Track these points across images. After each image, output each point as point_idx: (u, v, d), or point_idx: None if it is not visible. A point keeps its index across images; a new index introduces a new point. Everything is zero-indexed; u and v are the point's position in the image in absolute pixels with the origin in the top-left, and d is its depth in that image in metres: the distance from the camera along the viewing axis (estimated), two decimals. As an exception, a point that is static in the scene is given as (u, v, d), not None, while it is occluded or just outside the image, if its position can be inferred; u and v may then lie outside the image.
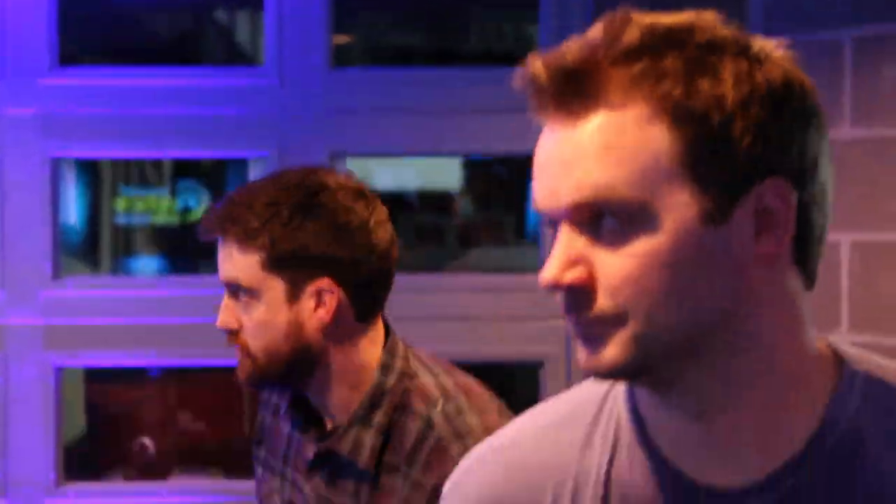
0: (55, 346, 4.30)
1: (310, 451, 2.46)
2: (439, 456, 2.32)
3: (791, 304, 1.34)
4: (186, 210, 11.25)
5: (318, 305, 2.35)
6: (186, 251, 10.88)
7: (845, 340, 1.50)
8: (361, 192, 2.42)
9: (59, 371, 4.34)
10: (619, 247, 1.24)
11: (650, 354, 1.26)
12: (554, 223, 1.29)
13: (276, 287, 2.35)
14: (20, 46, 4.15)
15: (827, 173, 1.32)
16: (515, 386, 5.31)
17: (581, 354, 1.30)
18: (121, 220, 11.64)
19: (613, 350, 1.26)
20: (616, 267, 1.24)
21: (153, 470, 5.60)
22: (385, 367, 2.43)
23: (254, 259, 2.33)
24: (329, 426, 2.47)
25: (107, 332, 4.31)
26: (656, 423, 1.38)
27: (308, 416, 2.51)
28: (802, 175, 1.28)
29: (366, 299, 2.42)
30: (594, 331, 1.27)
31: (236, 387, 2.86)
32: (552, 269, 1.24)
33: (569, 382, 3.13)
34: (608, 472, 1.39)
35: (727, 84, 1.24)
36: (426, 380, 2.43)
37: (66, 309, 4.30)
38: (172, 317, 4.29)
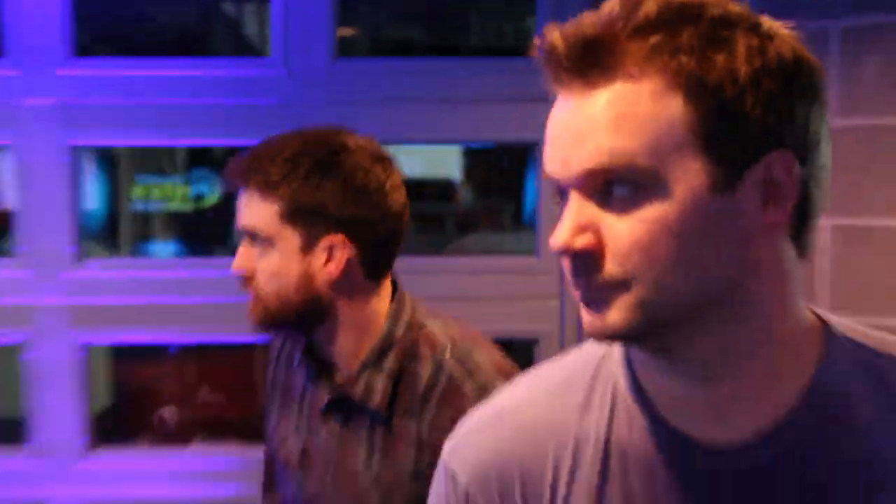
0: (80, 325, 4.32)
1: (323, 397, 2.49)
2: (453, 394, 2.37)
3: (788, 275, 1.38)
4: (200, 197, 11.44)
5: (329, 260, 2.37)
6: (200, 236, 11.30)
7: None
8: (380, 156, 2.44)
9: (84, 348, 4.35)
10: (628, 214, 1.26)
11: (654, 320, 1.30)
12: (563, 191, 1.34)
13: (290, 238, 2.36)
14: (37, 39, 4.16)
15: (827, 152, 1.34)
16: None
17: (586, 318, 1.34)
18: (138, 206, 11.79)
19: (618, 314, 1.30)
20: (625, 233, 1.27)
21: (174, 438, 5.68)
22: (394, 319, 2.45)
23: (272, 209, 2.35)
24: (339, 375, 2.49)
25: (127, 311, 4.34)
26: (655, 385, 1.40)
27: (320, 366, 2.52)
28: (806, 150, 1.31)
29: (376, 257, 2.44)
30: (600, 295, 1.31)
31: (251, 362, 2.87)
32: (563, 234, 1.29)
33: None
34: (608, 433, 1.41)
35: (740, 58, 1.25)
36: (434, 328, 2.46)
37: (88, 289, 4.32)
38: (189, 296, 4.31)
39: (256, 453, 3.05)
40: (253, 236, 2.44)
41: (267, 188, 2.37)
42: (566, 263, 1.34)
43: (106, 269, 4.45)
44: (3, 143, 4.32)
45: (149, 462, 4.45)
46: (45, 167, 4.26)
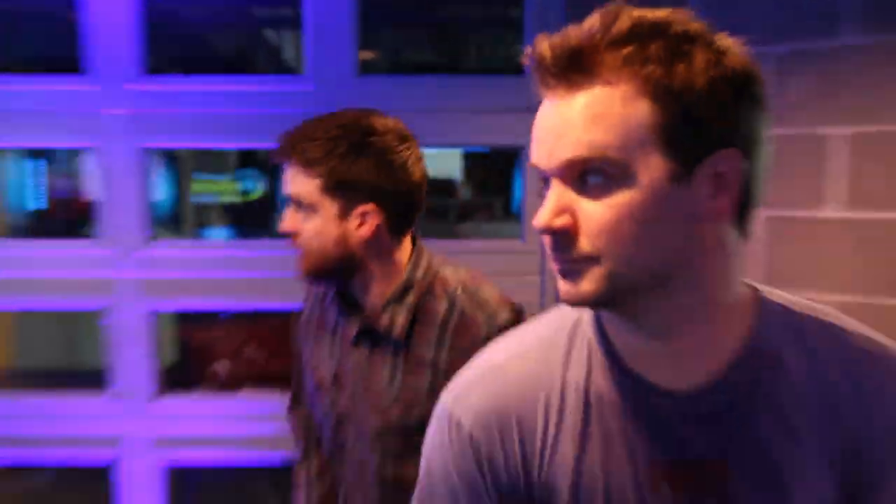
0: (150, 294, 4.34)
1: (353, 330, 2.56)
2: (467, 322, 2.46)
3: (731, 253, 1.42)
4: (246, 192, 11.96)
5: (362, 224, 2.44)
6: (246, 223, 11.65)
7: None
8: (404, 136, 2.50)
9: (154, 313, 4.36)
10: (600, 199, 1.31)
11: (619, 289, 1.35)
12: (546, 179, 1.38)
13: (329, 207, 2.42)
14: (114, 59, 4.18)
15: (766, 153, 1.37)
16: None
17: (562, 287, 1.38)
18: (197, 200, 12.28)
19: (589, 284, 1.35)
20: (597, 216, 1.31)
21: (226, 387, 5.83)
22: (414, 266, 2.53)
23: (314, 183, 2.41)
24: (366, 311, 2.55)
25: (189, 283, 4.35)
26: (622, 341, 1.45)
27: (351, 305, 2.59)
28: (749, 149, 1.35)
29: (400, 221, 2.51)
30: (574, 268, 1.35)
31: (288, 325, 2.88)
32: (545, 215, 1.34)
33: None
34: (586, 383, 1.46)
35: (698, 69, 1.30)
36: (446, 273, 2.55)
37: (157, 265, 4.33)
38: (238, 271, 4.34)
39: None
40: (298, 203, 2.48)
41: (309, 165, 2.42)
42: (547, 240, 1.38)
43: (171, 249, 4.46)
44: (87, 146, 4.31)
45: (205, 406, 4.48)
46: (121, 166, 4.27)
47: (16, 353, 8.71)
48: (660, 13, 1.34)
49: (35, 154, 10.59)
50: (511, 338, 1.61)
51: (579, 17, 1.37)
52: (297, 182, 2.46)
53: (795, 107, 3.70)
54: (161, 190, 11.22)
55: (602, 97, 1.30)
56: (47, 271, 4.29)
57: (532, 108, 1.41)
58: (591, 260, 1.34)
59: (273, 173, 12.14)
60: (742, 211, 1.39)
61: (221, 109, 4.23)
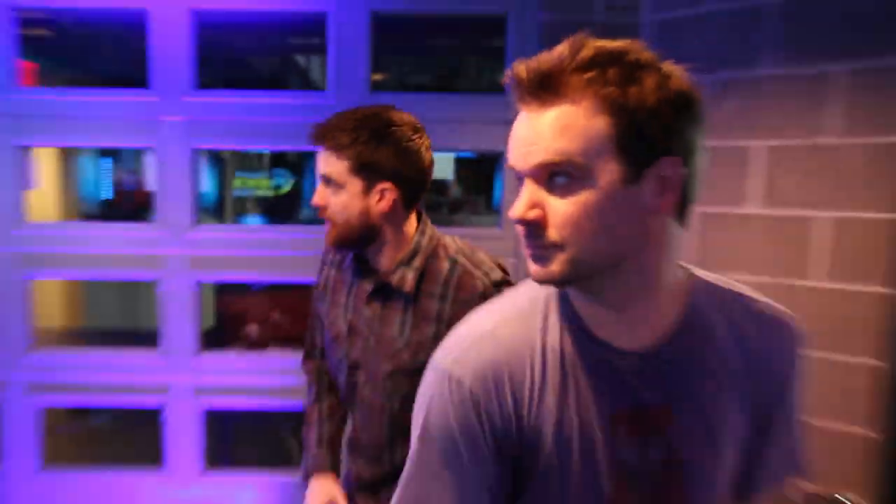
0: (195, 269, 4.34)
1: (367, 288, 2.62)
2: (466, 279, 2.53)
3: (671, 242, 1.47)
4: (278, 187, 11.91)
5: (381, 200, 2.49)
6: (277, 212, 11.66)
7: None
8: (417, 128, 2.55)
9: (198, 284, 4.36)
10: (565, 197, 1.36)
11: (580, 271, 1.40)
12: (521, 178, 1.41)
13: (355, 184, 2.48)
14: (172, 76, 4.20)
15: (703, 159, 1.41)
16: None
17: (533, 269, 1.43)
18: (237, 193, 12.35)
19: (555, 267, 1.40)
20: (562, 210, 1.36)
21: (256, 345, 5.81)
22: (420, 234, 2.58)
23: (344, 164, 2.46)
24: (380, 272, 2.61)
25: (227, 260, 4.35)
26: (585, 312, 1.49)
27: (366, 267, 2.65)
28: (688, 157, 1.41)
29: (412, 197, 2.56)
30: (544, 253, 1.40)
31: (308, 295, 2.89)
32: (519, 208, 1.39)
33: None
34: (561, 346, 1.49)
35: (649, 91, 1.34)
36: (447, 241, 2.61)
37: (202, 245, 4.34)
38: (268, 251, 4.34)
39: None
40: (328, 181, 2.52)
41: (340, 149, 2.46)
42: (520, 229, 1.42)
43: (214, 232, 4.46)
44: (148, 147, 4.31)
45: (238, 361, 4.49)
46: (175, 164, 4.27)
47: (85, 316, 8.68)
48: (617, 43, 1.37)
49: (105, 153, 10.60)
50: (493, 309, 1.61)
51: (552, 46, 1.40)
52: (329, 163, 2.51)
53: (724, 124, 3.77)
54: (207, 184, 11.47)
55: (568, 112, 1.33)
56: (112, 248, 4.30)
57: (510, 122, 1.44)
58: (557, 247, 1.38)
59: (300, 171, 12.42)
60: (682, 207, 1.43)
61: (259, 118, 4.24)
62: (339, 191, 2.51)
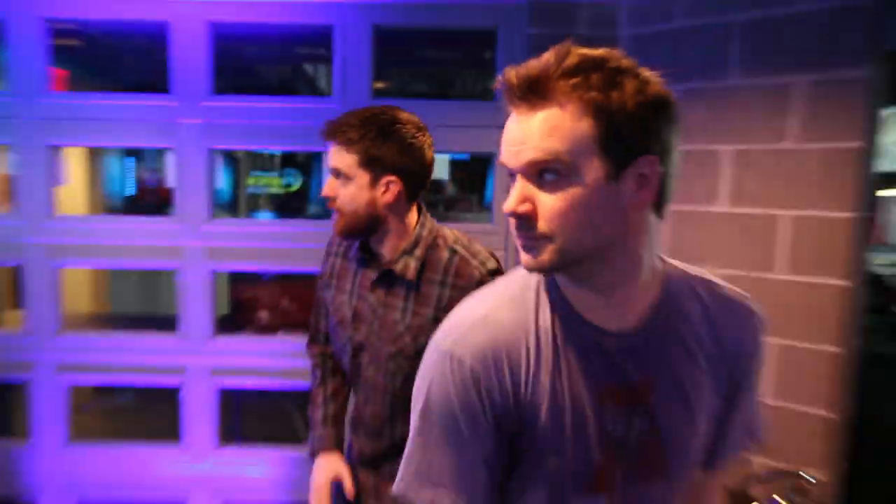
0: (211, 259, 4.34)
1: (371, 276, 2.63)
2: (464, 267, 2.54)
3: (650, 233, 1.49)
4: (288, 185, 11.89)
5: (386, 192, 2.50)
6: (287, 208, 11.67)
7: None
8: (420, 127, 2.56)
9: (213, 274, 4.36)
10: (554, 192, 1.38)
11: (567, 259, 1.42)
12: (513, 175, 1.42)
13: (363, 177, 2.49)
14: (190, 82, 4.20)
15: (677, 159, 1.43)
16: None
17: (524, 258, 1.45)
18: (250, 190, 12.41)
19: (545, 256, 1.42)
20: (550, 205, 1.38)
21: (266, 330, 5.76)
22: (421, 226, 2.59)
23: (353, 158, 2.47)
24: (384, 261, 2.62)
25: (240, 251, 4.35)
26: (573, 295, 1.51)
27: (370, 256, 2.66)
28: (665, 156, 1.41)
29: (414, 190, 2.58)
30: (534, 244, 1.42)
31: (313, 284, 2.90)
32: (512, 202, 1.41)
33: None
34: (553, 327, 1.50)
35: (629, 95, 1.35)
36: (445, 232, 2.63)
37: (217, 237, 4.33)
38: (279, 243, 4.33)
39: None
40: (337, 174, 2.53)
41: (349, 144, 2.47)
42: (512, 222, 1.43)
43: (228, 226, 4.45)
44: (168, 147, 4.31)
45: (250, 344, 4.48)
46: (193, 163, 4.27)
47: (109, 302, 8.69)
48: (599, 51, 1.38)
49: (129, 153, 10.61)
50: (487, 294, 1.61)
51: (538, 57, 1.41)
52: (339, 157, 2.52)
53: (695, 129, 3.79)
54: (223, 181, 11.64)
55: (555, 115, 1.34)
56: (135, 240, 4.30)
57: (501, 126, 1.46)
58: (547, 238, 1.40)
59: (308, 171, 12.43)
60: (659, 201, 1.46)
61: (270, 121, 4.24)
62: (347, 183, 2.52)
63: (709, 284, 1.67)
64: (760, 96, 3.76)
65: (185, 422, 4.45)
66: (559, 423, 1.50)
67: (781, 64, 3.69)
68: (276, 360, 4.38)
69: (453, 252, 2.59)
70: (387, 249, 2.63)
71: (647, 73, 1.41)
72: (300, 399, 3.52)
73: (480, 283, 2.47)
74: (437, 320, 2.41)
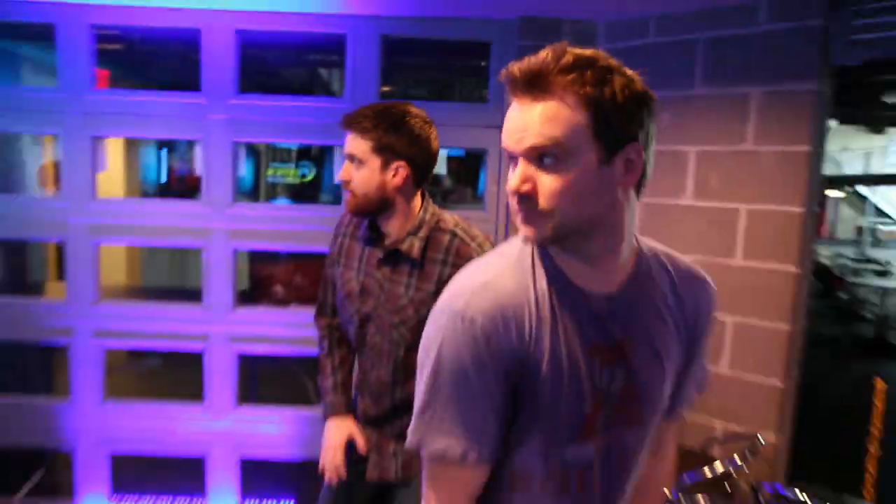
0: (233, 239, 4.34)
1: (378, 254, 2.66)
2: (462, 249, 2.59)
3: (632, 210, 1.54)
4: (303, 176, 11.84)
5: (395, 175, 2.55)
6: (302, 196, 11.65)
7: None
8: (427, 120, 2.61)
9: (235, 252, 4.36)
10: (553, 174, 1.42)
11: (563, 233, 1.46)
12: (514, 158, 1.46)
13: (375, 162, 2.53)
14: (218, 82, 4.20)
15: (654, 147, 1.51)
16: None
17: (525, 230, 1.48)
18: (269, 179, 12.42)
19: (543, 230, 1.46)
20: (549, 184, 1.42)
21: (281, 303, 5.91)
22: (425, 210, 2.63)
23: (367, 145, 2.52)
24: (388, 241, 2.66)
25: (260, 233, 4.35)
26: (565, 264, 1.55)
27: (377, 235, 2.69)
28: (646, 144, 1.47)
29: (420, 175, 2.61)
30: (534, 219, 1.46)
31: (324, 262, 2.90)
32: (515, 182, 1.44)
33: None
34: (550, 292, 1.53)
35: (618, 90, 1.41)
36: (446, 216, 2.66)
37: (240, 220, 4.33)
38: (294, 225, 4.33)
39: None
40: (352, 159, 2.57)
41: (364, 133, 2.53)
42: (514, 200, 1.47)
43: (250, 210, 4.44)
44: (197, 139, 4.32)
45: (267, 315, 4.49)
46: (218, 154, 4.27)
47: (142, 276, 8.71)
48: (589, 51, 1.43)
49: (162, 144, 10.63)
50: (488, 263, 1.62)
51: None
52: (354, 144, 2.56)
53: (665, 132, 3.69)
54: (245, 171, 11.79)
55: (555, 106, 1.39)
56: (166, 221, 4.30)
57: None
58: (546, 213, 1.44)
59: (321, 164, 12.44)
60: (640, 183, 1.51)
61: (288, 118, 4.24)
62: (361, 167, 2.56)
63: (671, 258, 1.74)
64: (722, 104, 3.80)
65: (207, 383, 4.46)
66: (558, 375, 1.52)
67: (740, 76, 3.73)
68: (289, 329, 4.38)
69: (454, 235, 2.63)
70: (393, 229, 2.65)
71: (630, 72, 1.45)
72: (310, 364, 3.53)
73: None
74: (437, 295, 2.40)
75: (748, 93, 3.72)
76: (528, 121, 1.41)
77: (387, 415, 2.78)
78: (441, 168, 12.31)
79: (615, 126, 1.41)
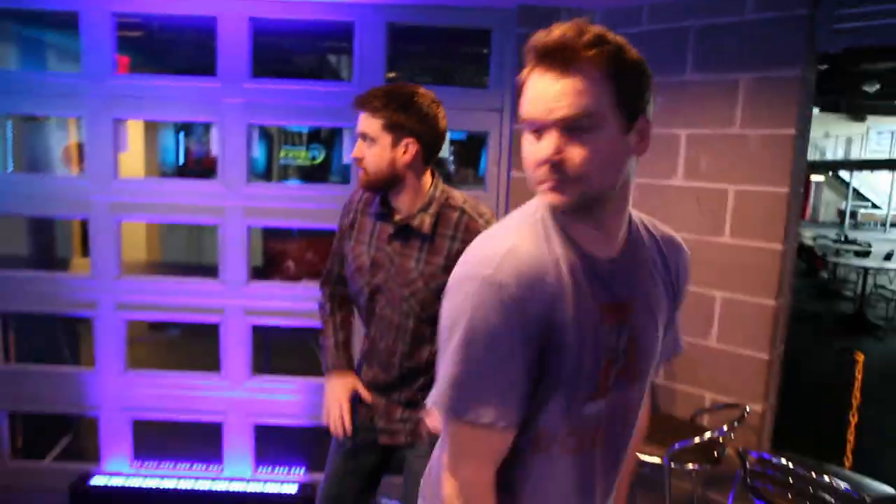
0: (248, 217, 4.33)
1: (389, 229, 2.66)
2: (471, 225, 2.60)
3: (633, 179, 1.59)
4: (314, 158, 11.84)
5: (406, 152, 2.54)
6: (312, 177, 11.66)
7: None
8: (434, 99, 2.60)
9: (249, 229, 4.36)
10: (581, 143, 1.42)
11: (587, 199, 1.48)
12: (539, 129, 1.46)
13: (386, 139, 2.53)
14: (233, 67, 4.18)
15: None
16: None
17: (552, 197, 1.47)
18: (281, 161, 12.45)
19: (569, 196, 1.46)
20: (578, 153, 1.43)
21: (293, 278, 5.84)
22: (434, 187, 2.63)
23: (378, 123, 2.52)
24: (399, 216, 2.65)
25: (273, 210, 4.34)
26: (575, 231, 1.56)
27: (388, 211, 2.68)
28: (649, 119, 1.51)
29: (429, 153, 2.61)
30: (562, 186, 1.45)
31: (334, 239, 2.89)
32: (548, 151, 1.43)
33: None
34: (565, 257, 1.53)
35: (633, 64, 1.45)
36: (454, 194, 2.66)
37: (253, 198, 4.32)
38: (305, 204, 4.32)
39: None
40: (364, 137, 2.57)
41: (375, 112, 2.52)
42: (544, 169, 1.46)
43: (263, 189, 4.45)
44: (213, 121, 4.31)
45: (279, 289, 4.49)
46: (234, 136, 4.26)
47: (162, 252, 8.72)
48: (600, 29, 1.44)
49: (179, 127, 10.64)
50: (506, 230, 1.58)
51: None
52: (367, 123, 2.56)
53: (657, 116, 3.70)
54: (259, 153, 11.78)
55: (582, 79, 1.40)
56: (184, 199, 4.31)
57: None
58: (574, 181, 1.44)
59: (330, 146, 12.46)
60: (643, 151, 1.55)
61: (299, 102, 4.23)
62: (373, 144, 2.55)
63: (654, 224, 1.79)
64: (712, 89, 3.80)
65: (223, 354, 4.47)
66: (580, 335, 1.52)
67: (730, 63, 3.73)
68: (300, 303, 4.38)
69: (462, 211, 2.63)
70: (404, 204, 2.65)
71: (635, 50, 1.48)
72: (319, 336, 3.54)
73: None
74: (446, 268, 2.48)
75: (737, 79, 3.73)
76: (559, 93, 1.41)
77: (395, 382, 2.79)
78: (444, 151, 12.31)
79: (632, 98, 1.44)
